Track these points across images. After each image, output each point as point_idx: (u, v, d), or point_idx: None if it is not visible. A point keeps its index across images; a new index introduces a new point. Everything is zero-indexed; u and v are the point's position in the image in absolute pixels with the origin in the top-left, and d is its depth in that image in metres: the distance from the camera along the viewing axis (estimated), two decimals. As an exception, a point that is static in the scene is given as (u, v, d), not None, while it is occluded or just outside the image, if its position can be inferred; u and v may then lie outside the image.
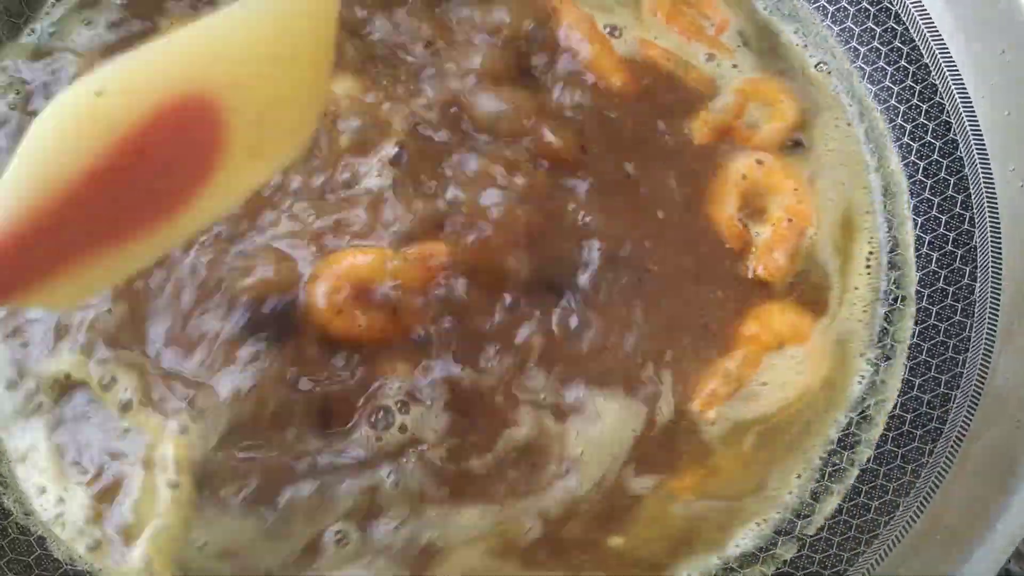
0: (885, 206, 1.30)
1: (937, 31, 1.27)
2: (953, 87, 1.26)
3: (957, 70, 1.25)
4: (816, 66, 1.37)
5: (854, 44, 1.36)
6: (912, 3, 1.29)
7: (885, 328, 1.23)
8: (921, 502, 1.08)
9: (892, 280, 1.26)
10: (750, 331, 1.18)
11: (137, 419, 1.06)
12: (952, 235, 1.24)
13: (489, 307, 1.12)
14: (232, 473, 1.04)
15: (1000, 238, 1.18)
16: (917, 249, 1.26)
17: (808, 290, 1.23)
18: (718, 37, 1.38)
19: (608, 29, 1.33)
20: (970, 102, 1.24)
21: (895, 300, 1.25)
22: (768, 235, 1.24)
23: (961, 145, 1.25)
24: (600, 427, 1.11)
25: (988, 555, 0.98)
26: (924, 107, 1.29)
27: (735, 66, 1.35)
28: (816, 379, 1.18)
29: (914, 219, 1.28)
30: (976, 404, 1.11)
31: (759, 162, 1.26)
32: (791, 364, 1.18)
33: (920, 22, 1.29)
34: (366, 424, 1.07)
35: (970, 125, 1.24)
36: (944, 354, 1.19)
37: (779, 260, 1.22)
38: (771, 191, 1.26)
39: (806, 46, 1.38)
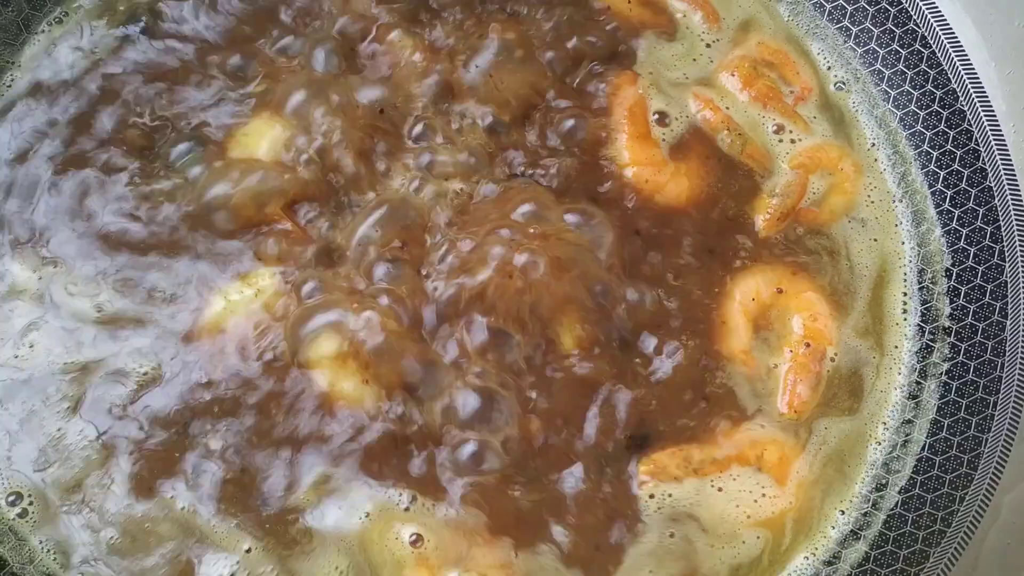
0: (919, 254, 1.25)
1: (967, 57, 1.23)
2: (983, 116, 1.21)
3: (986, 95, 1.21)
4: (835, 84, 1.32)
5: (879, 67, 1.31)
6: (945, 36, 1.24)
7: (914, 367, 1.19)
8: (954, 551, 1.04)
9: (927, 318, 1.21)
10: (740, 440, 1.10)
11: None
12: (981, 268, 1.19)
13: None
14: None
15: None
16: (948, 281, 1.21)
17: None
18: (796, 107, 1.29)
19: (656, 116, 1.25)
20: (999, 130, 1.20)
21: (932, 337, 1.20)
22: (787, 367, 1.15)
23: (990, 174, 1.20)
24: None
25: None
26: (952, 134, 1.24)
27: (794, 141, 1.27)
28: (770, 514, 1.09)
29: (943, 251, 1.23)
30: (1009, 450, 1.07)
31: (779, 291, 1.17)
32: (755, 489, 1.09)
33: (947, 44, 1.24)
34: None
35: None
36: (974, 394, 1.14)
37: (803, 395, 1.14)
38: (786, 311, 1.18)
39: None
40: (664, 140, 1.24)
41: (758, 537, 1.07)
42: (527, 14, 1.28)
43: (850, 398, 1.16)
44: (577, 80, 1.26)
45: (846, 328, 1.19)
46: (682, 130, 1.25)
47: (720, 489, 1.08)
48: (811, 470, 1.11)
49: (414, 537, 1.02)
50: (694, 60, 1.31)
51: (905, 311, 1.21)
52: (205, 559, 1.02)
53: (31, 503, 1.05)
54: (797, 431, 1.13)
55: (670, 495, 1.07)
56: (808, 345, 1.15)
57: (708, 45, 1.32)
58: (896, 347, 1.19)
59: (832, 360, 1.16)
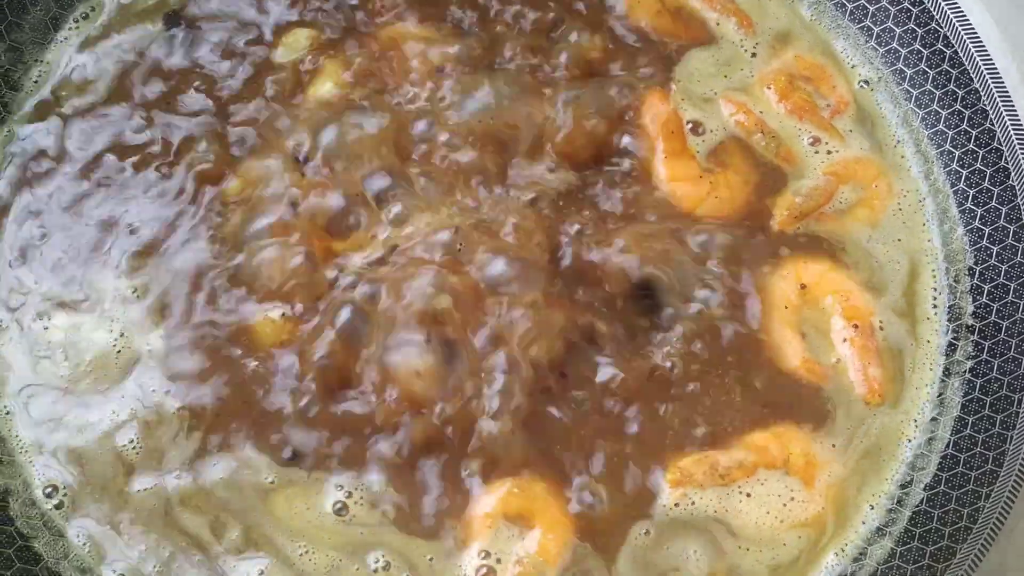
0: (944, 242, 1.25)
1: (989, 57, 1.23)
2: (1005, 114, 1.22)
3: (1007, 94, 1.22)
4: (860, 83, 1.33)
5: (900, 66, 1.32)
6: (967, 36, 1.25)
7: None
8: (980, 549, 1.05)
9: (950, 316, 1.22)
10: (762, 442, 1.10)
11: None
12: (1004, 267, 1.20)
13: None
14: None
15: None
16: (971, 280, 1.22)
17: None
18: (832, 120, 1.30)
19: (690, 126, 1.26)
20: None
21: (955, 335, 1.21)
22: (850, 355, 1.16)
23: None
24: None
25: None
26: (973, 133, 1.25)
27: (830, 152, 1.27)
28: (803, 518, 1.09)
29: (966, 249, 1.24)
30: (1035, 447, 1.08)
31: (803, 287, 1.18)
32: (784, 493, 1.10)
33: (969, 44, 1.25)
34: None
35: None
36: (998, 392, 1.15)
37: (877, 375, 1.15)
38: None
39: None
40: (699, 152, 1.25)
41: (799, 537, 1.08)
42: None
43: (893, 382, 1.17)
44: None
45: (883, 307, 1.19)
46: (718, 139, 1.26)
47: (748, 495, 1.09)
48: (846, 465, 1.12)
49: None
50: (730, 67, 1.32)
51: (935, 306, 1.22)
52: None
53: (65, 495, 1.06)
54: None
55: (693, 503, 1.08)
56: (856, 326, 1.16)
57: (751, 54, 1.33)
58: (928, 341, 1.20)
59: (881, 328, 1.18)
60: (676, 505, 1.08)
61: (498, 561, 1.03)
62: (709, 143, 1.26)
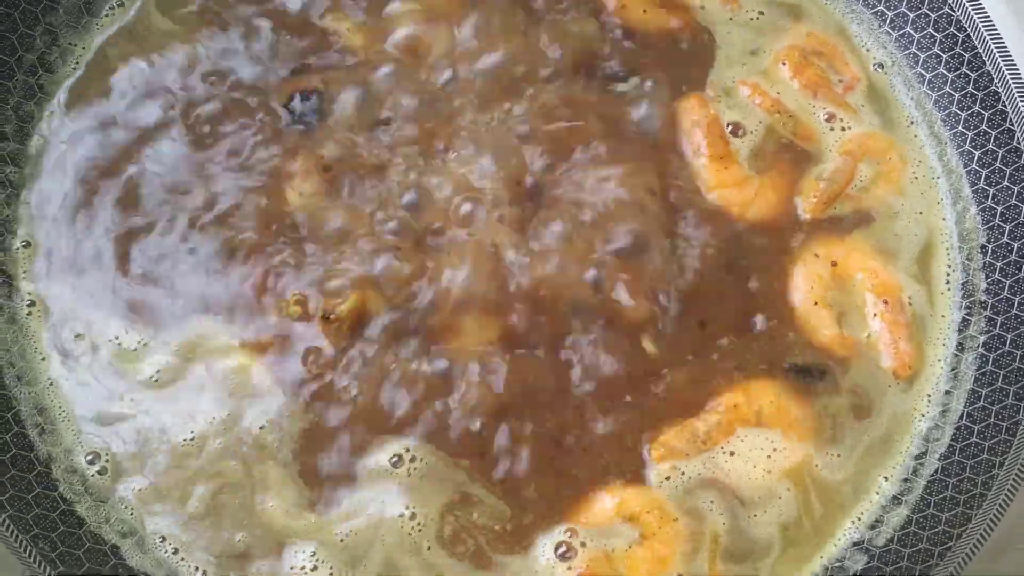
0: (957, 222, 1.28)
1: (1002, 40, 1.26)
2: (1017, 95, 1.24)
3: (1020, 76, 1.24)
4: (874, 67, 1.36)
5: (914, 50, 1.35)
6: (980, 20, 1.27)
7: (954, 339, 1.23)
8: (995, 514, 1.07)
9: (964, 292, 1.25)
10: (731, 400, 1.14)
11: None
12: (1017, 244, 1.23)
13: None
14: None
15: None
16: (983, 257, 1.25)
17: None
18: (845, 95, 1.32)
19: (730, 128, 1.27)
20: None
21: (968, 311, 1.24)
22: (880, 330, 1.19)
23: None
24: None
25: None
26: (986, 115, 1.28)
27: (844, 129, 1.30)
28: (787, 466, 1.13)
29: (979, 228, 1.26)
30: (1047, 416, 1.11)
31: (834, 264, 1.21)
32: (765, 445, 1.13)
33: (982, 28, 1.27)
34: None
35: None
36: (1011, 365, 1.18)
37: (907, 349, 1.19)
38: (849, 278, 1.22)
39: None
40: (743, 156, 1.27)
41: (788, 489, 1.12)
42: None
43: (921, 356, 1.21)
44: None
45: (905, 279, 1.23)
46: (760, 136, 1.28)
47: (732, 453, 1.12)
48: (868, 436, 1.16)
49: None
50: (751, 54, 1.34)
51: (948, 283, 1.25)
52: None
53: (107, 461, 1.09)
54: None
55: (683, 472, 1.11)
56: (886, 302, 1.20)
57: (756, 29, 1.34)
58: (943, 316, 1.23)
59: (910, 304, 1.21)
60: (667, 479, 1.11)
61: (583, 545, 1.06)
62: (750, 144, 1.28)
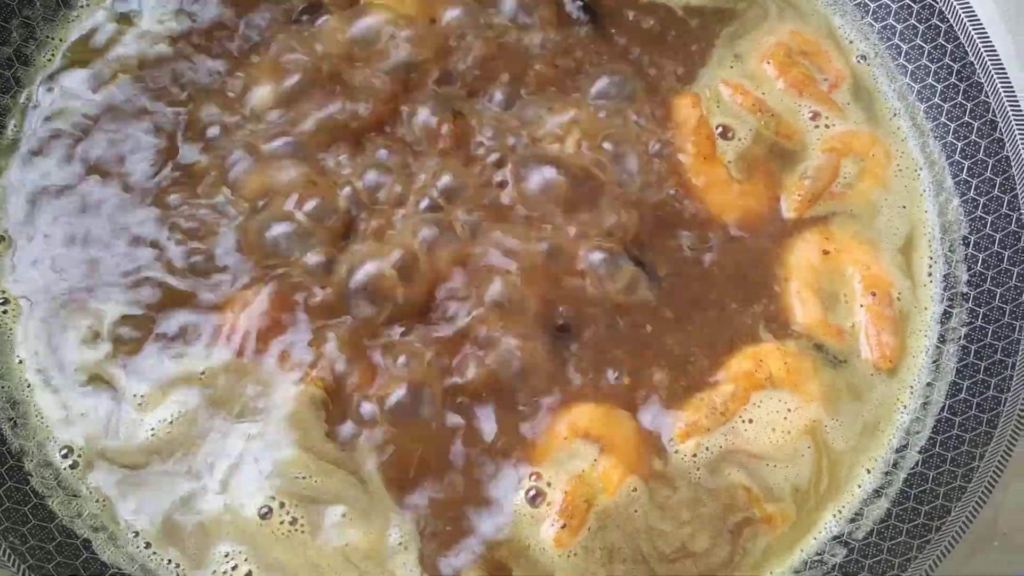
0: (939, 213, 1.27)
1: (984, 30, 1.25)
2: (1000, 87, 1.24)
3: (1003, 67, 1.24)
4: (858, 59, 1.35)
5: (896, 41, 1.34)
6: (962, 10, 1.27)
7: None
8: (974, 506, 1.07)
9: (945, 284, 1.24)
10: (739, 367, 1.14)
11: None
12: (999, 236, 1.22)
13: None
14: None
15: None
16: (965, 249, 1.24)
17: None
18: (830, 94, 1.31)
19: (720, 129, 1.26)
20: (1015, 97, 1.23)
21: (950, 303, 1.23)
22: (865, 321, 1.19)
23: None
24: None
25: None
26: (969, 106, 1.27)
27: (828, 126, 1.29)
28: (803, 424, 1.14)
29: (961, 220, 1.26)
30: (1028, 408, 1.10)
31: (825, 252, 1.21)
32: (780, 408, 1.14)
33: (964, 18, 1.27)
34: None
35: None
36: (992, 356, 1.17)
37: (890, 342, 1.19)
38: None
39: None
40: (729, 157, 1.26)
41: (809, 447, 1.13)
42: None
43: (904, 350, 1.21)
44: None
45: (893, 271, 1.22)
46: (749, 140, 1.27)
47: (751, 421, 1.12)
48: (854, 428, 1.16)
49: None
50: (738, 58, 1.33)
51: (931, 275, 1.24)
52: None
53: (80, 456, 1.08)
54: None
55: (707, 448, 1.11)
56: (874, 294, 1.19)
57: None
58: (926, 309, 1.23)
59: (898, 299, 1.21)
60: (694, 456, 1.11)
61: (548, 484, 1.07)
62: (736, 149, 1.27)
